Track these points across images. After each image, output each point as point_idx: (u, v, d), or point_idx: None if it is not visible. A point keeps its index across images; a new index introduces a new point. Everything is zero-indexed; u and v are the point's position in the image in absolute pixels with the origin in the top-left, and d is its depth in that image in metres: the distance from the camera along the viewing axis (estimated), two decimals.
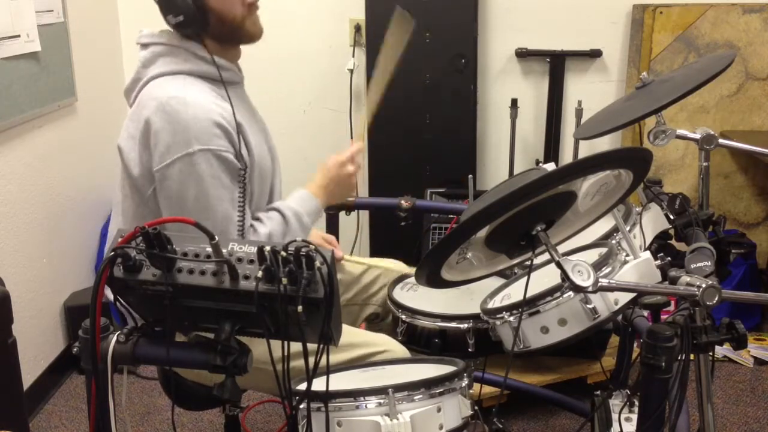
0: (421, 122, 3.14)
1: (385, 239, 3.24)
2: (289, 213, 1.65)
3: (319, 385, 1.22)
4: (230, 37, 1.63)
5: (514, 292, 1.69)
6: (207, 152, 1.50)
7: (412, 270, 2.11)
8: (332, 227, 2.37)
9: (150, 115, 1.52)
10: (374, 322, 2.10)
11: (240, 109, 1.62)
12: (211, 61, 1.60)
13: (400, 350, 1.70)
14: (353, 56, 3.31)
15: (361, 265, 2.08)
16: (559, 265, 1.20)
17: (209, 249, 1.07)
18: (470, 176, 2.38)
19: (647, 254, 1.47)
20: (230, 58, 1.66)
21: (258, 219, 1.64)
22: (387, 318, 2.06)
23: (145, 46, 1.62)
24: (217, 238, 1.06)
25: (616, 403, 1.85)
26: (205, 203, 1.52)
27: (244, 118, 1.62)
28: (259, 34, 1.65)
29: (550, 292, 1.46)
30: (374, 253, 3.26)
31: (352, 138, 3.37)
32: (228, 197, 1.54)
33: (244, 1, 1.59)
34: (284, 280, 1.04)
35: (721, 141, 1.62)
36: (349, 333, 1.67)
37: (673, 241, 1.71)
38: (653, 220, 1.73)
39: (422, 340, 1.86)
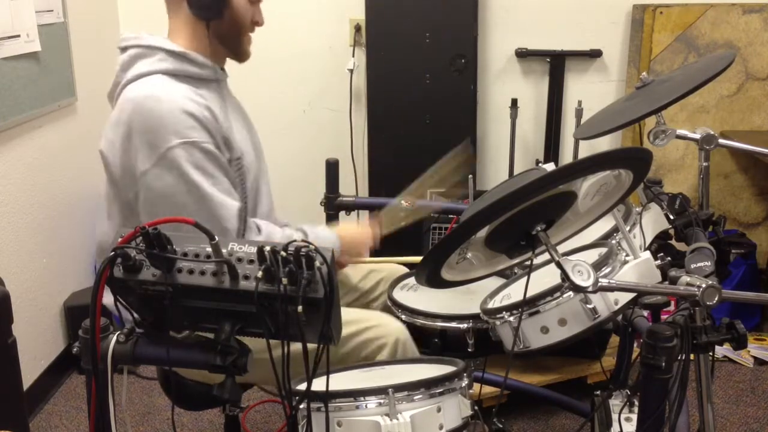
0: (421, 122, 3.14)
1: (385, 239, 3.23)
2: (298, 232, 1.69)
3: (319, 385, 1.22)
4: (228, 41, 1.66)
5: (514, 292, 1.69)
6: (186, 144, 1.49)
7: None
8: None
9: (128, 118, 1.52)
10: None
11: (221, 105, 1.62)
12: (196, 57, 1.61)
13: (394, 326, 1.69)
14: (353, 56, 3.31)
15: (362, 269, 2.07)
16: (559, 265, 1.20)
17: (209, 249, 1.07)
18: (470, 176, 2.37)
19: (647, 254, 1.46)
20: (216, 59, 1.67)
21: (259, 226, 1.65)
22: None
23: (124, 49, 1.63)
24: (217, 238, 1.06)
25: (616, 403, 1.85)
26: (197, 194, 1.51)
27: (225, 114, 1.62)
28: (248, 56, 1.71)
29: (550, 292, 1.46)
30: (373, 253, 3.25)
31: (351, 138, 3.38)
32: (217, 186, 1.53)
33: (253, 17, 1.67)
34: (284, 280, 1.04)
35: (721, 141, 1.62)
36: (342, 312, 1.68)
37: (673, 241, 1.71)
38: (653, 220, 1.72)
39: (422, 340, 1.86)
